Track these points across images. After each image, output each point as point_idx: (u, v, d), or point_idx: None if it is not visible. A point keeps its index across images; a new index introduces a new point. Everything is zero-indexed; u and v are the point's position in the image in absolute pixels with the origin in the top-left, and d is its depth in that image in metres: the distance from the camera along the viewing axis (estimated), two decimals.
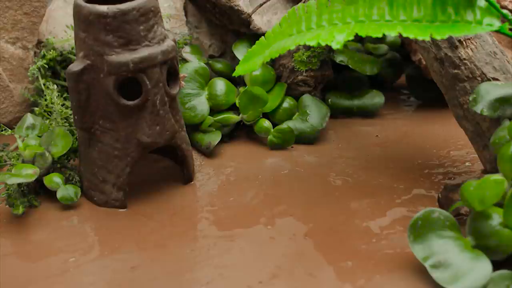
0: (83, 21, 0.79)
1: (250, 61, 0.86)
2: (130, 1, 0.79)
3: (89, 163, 0.85)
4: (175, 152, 0.89)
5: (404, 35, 0.69)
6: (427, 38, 0.68)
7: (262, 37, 0.85)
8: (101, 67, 0.79)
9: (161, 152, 0.94)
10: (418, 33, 0.69)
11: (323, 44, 0.72)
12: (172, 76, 0.85)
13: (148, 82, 0.79)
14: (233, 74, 0.91)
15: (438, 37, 0.69)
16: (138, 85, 0.80)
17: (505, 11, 0.72)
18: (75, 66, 0.80)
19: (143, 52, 0.79)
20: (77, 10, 0.79)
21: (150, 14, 0.79)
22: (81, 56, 0.80)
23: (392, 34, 0.70)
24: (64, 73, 1.04)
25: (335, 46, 0.70)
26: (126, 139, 0.82)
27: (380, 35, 0.70)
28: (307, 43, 0.74)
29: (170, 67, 0.83)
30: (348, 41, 1.16)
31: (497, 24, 0.71)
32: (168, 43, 0.81)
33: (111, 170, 0.83)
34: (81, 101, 0.81)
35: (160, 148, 0.85)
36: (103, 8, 0.77)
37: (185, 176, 0.91)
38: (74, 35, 0.82)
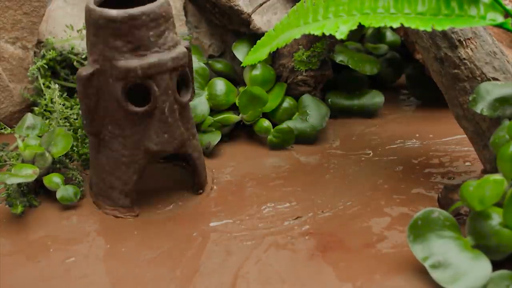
0: (93, 25, 0.77)
1: (259, 51, 0.90)
2: (149, 4, 0.77)
3: (98, 168, 0.84)
4: (186, 160, 0.87)
5: (406, 25, 0.70)
6: (429, 29, 0.69)
7: (271, 29, 0.89)
8: (110, 72, 0.77)
9: (173, 159, 0.93)
10: (420, 24, 0.70)
11: (327, 33, 0.74)
12: (184, 83, 0.82)
13: (156, 89, 0.77)
14: (242, 64, 0.97)
15: (439, 28, 0.69)
16: (148, 91, 0.78)
17: (508, 7, 0.72)
18: (85, 70, 0.78)
19: (152, 58, 0.76)
20: (88, 14, 0.78)
21: (161, 20, 0.77)
22: (91, 60, 0.79)
23: (394, 25, 0.71)
24: (64, 73, 1.04)
25: (339, 36, 0.72)
26: (134, 146, 0.80)
27: (382, 25, 0.72)
28: (312, 32, 0.76)
29: (182, 74, 0.81)
30: (349, 40, 1.16)
31: (500, 19, 0.71)
32: (180, 50, 0.79)
33: (119, 177, 0.82)
34: (90, 106, 0.79)
35: (172, 155, 0.83)
36: (113, 12, 0.75)
37: (196, 185, 0.88)
38: (86, 39, 0.80)
